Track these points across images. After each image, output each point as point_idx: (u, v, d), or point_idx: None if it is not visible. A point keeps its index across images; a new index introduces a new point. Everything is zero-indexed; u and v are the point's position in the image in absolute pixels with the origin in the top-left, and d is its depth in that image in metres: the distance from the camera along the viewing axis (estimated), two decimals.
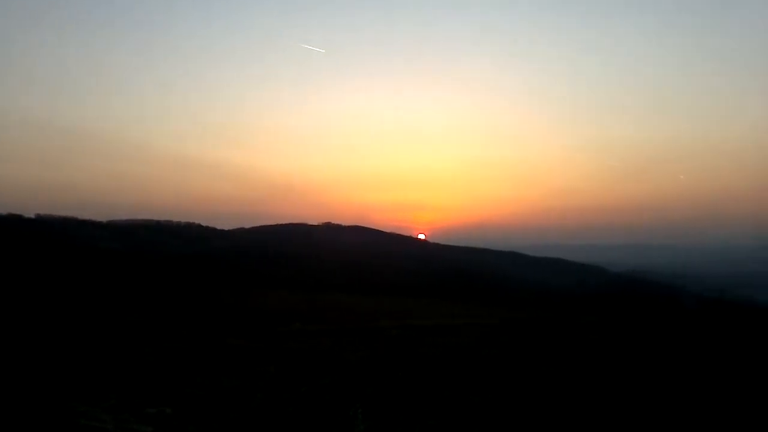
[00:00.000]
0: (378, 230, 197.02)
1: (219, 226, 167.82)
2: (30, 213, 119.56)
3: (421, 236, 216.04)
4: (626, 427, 7.86)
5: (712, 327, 26.91)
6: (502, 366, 12.24)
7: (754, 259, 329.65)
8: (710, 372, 12.93)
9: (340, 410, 7.64)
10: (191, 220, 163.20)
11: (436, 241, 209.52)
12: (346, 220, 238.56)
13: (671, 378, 11.81)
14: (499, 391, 9.54)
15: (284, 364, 11.14)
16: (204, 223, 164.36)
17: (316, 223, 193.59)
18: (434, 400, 8.66)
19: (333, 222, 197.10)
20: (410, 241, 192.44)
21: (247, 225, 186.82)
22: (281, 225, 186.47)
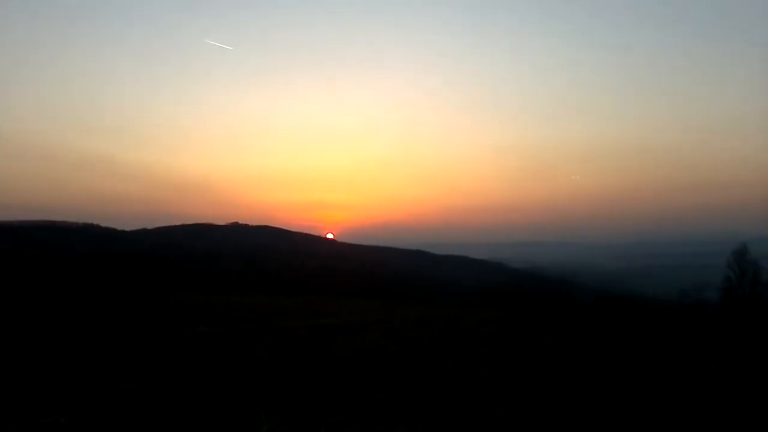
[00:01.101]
0: (286, 230, 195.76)
1: (120, 227, 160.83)
2: None
3: (330, 236, 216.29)
4: (516, 416, 8.18)
5: (603, 320, 28.35)
6: (408, 362, 12.44)
7: (642, 254, 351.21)
8: (600, 363, 13.64)
9: (244, 412, 7.55)
10: (91, 221, 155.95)
11: (345, 240, 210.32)
12: (254, 220, 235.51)
13: (563, 370, 12.38)
14: (405, 387, 9.70)
15: (187, 367, 10.87)
16: (104, 224, 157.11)
17: (223, 223, 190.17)
18: (340, 397, 8.71)
19: (240, 222, 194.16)
20: (319, 241, 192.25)
21: (151, 226, 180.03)
22: (187, 225, 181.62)
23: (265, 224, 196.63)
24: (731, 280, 58.86)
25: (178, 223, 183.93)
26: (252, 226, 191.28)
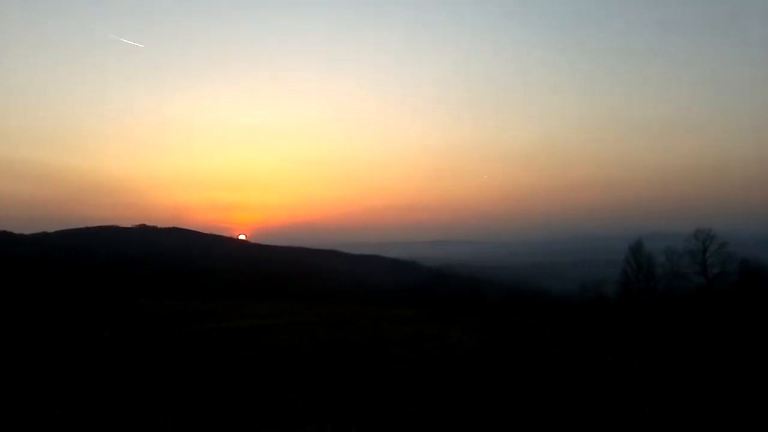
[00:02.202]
0: (197, 231, 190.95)
1: (18, 230, 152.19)
2: None
3: (242, 237, 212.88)
4: (426, 411, 8.55)
5: (511, 316, 29.41)
6: (321, 362, 12.65)
7: (549, 251, 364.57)
8: (506, 357, 14.30)
9: (151, 418, 7.55)
10: None
11: (258, 241, 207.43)
12: (162, 221, 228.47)
13: (471, 365, 12.92)
14: (317, 387, 9.89)
15: (90, 373, 10.63)
16: None
17: (129, 225, 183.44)
18: (252, 399, 8.81)
19: (148, 224, 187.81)
20: (231, 242, 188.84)
21: (52, 229, 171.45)
22: (91, 228, 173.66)
23: (174, 226, 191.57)
24: (628, 274, 62.30)
25: (81, 226, 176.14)
26: (161, 227, 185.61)
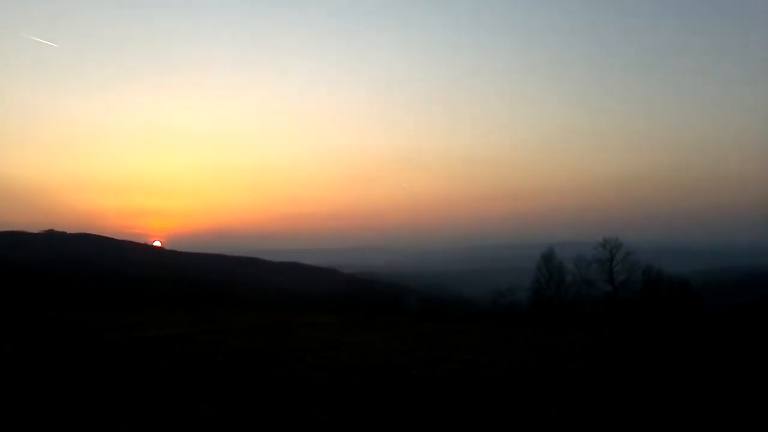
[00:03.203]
0: (109, 237, 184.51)
1: None
2: None
3: (157, 243, 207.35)
4: (343, 418, 8.66)
5: (428, 320, 29.81)
6: (234, 372, 12.53)
7: (464, 259, 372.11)
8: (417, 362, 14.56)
9: (52, 428, 7.34)
10: None
11: (174, 248, 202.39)
12: (72, 227, 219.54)
13: (387, 371, 13.11)
14: (229, 397, 9.82)
15: None
16: None
17: (36, 231, 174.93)
18: (162, 410, 8.67)
19: (57, 229, 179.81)
20: (145, 249, 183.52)
21: None
22: None
23: (85, 232, 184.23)
24: (540, 281, 64.59)
25: None
26: (70, 233, 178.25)
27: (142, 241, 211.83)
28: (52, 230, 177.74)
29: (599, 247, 63.85)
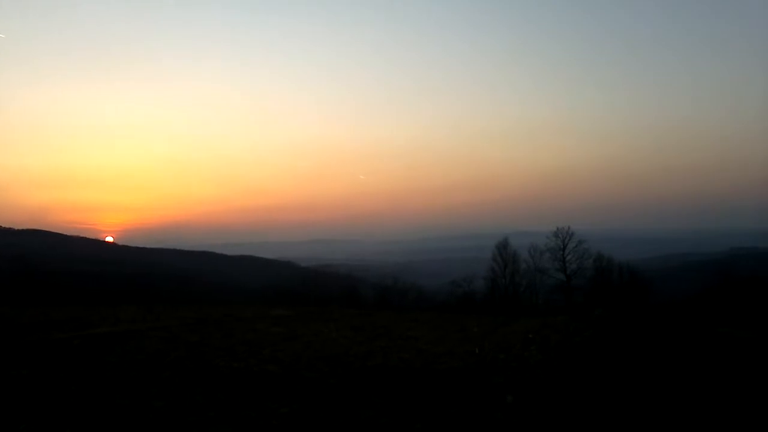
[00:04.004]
0: (58, 234, 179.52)
1: None
2: None
3: (109, 239, 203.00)
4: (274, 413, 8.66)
5: (384, 310, 29.96)
6: (189, 367, 12.39)
7: (421, 249, 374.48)
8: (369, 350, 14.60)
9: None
10: None
11: (126, 243, 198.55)
12: (18, 223, 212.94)
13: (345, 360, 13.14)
14: (184, 393, 9.71)
15: None
16: None
17: None
18: (114, 408, 8.53)
19: (2, 225, 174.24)
20: (96, 244, 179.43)
21: None
22: None
23: (32, 227, 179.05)
24: (495, 270, 65.52)
25: None
26: (16, 229, 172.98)
27: (93, 237, 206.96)
28: None
29: (552, 237, 65.00)
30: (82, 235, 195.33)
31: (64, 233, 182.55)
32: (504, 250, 66.09)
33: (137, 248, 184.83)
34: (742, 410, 8.97)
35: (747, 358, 14.21)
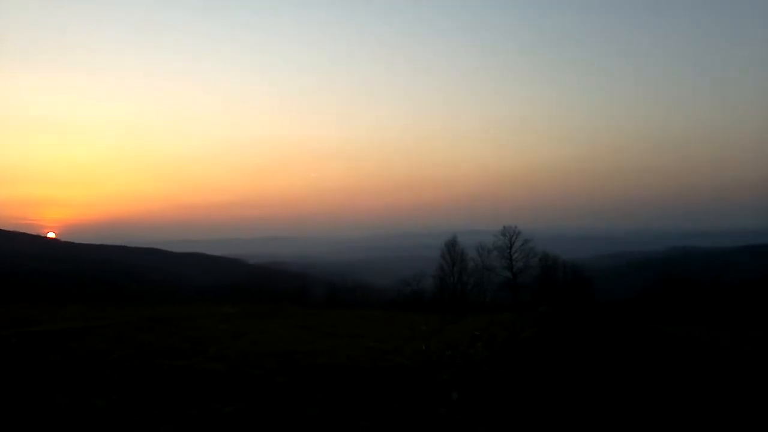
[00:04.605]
0: None
1: None
2: None
3: (51, 235, 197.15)
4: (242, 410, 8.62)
5: (333, 308, 29.95)
6: (132, 366, 12.16)
7: (371, 247, 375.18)
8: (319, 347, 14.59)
9: None
10: None
11: (70, 239, 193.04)
12: None
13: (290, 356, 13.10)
14: (126, 392, 9.54)
15: None
16: None
17: None
18: (53, 408, 8.32)
19: None
20: (37, 241, 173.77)
21: None
22: None
23: None
24: (444, 269, 66.24)
25: None
26: None
27: (34, 233, 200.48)
28: None
29: (499, 235, 66.06)
30: (22, 230, 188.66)
31: (5, 229, 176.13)
32: (452, 249, 66.84)
33: (81, 245, 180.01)
34: (676, 401, 9.33)
35: (680, 353, 14.77)
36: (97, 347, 15.17)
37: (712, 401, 9.96)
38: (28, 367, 11.75)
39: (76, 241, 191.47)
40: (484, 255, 66.41)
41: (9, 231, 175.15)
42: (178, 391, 9.60)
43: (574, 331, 18.65)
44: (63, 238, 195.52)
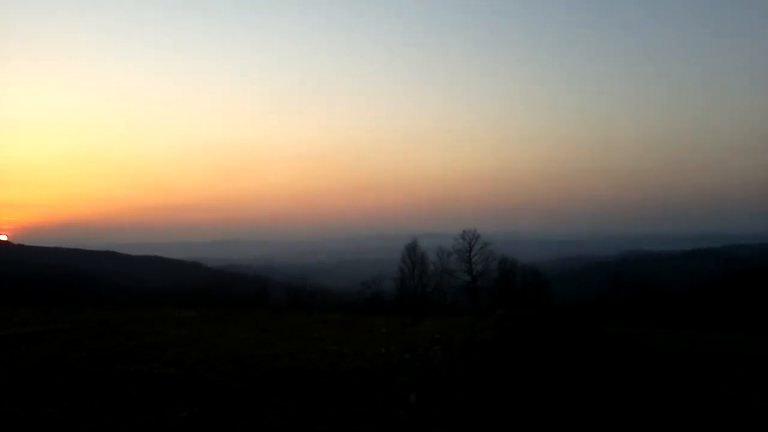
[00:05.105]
0: None
1: None
2: None
3: (3, 237, 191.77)
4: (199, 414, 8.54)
5: (290, 312, 29.83)
6: (87, 372, 11.93)
7: (332, 250, 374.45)
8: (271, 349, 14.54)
9: None
10: None
11: (22, 242, 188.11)
12: None
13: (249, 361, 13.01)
14: (80, 399, 9.36)
15: None
16: None
17: None
18: (1, 416, 8.12)
19: None
20: None
21: None
22: None
23: None
24: (404, 272, 66.56)
25: None
26: None
27: None
28: None
29: (459, 239, 66.66)
30: None
31: None
32: (413, 252, 67.20)
33: (35, 247, 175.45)
34: (626, 404, 9.56)
35: (623, 353, 15.16)
36: (50, 352, 14.82)
37: (649, 398, 10.25)
38: None
39: (30, 243, 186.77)
40: (444, 258, 67.07)
41: None
42: (133, 397, 9.46)
43: (530, 334, 18.90)
44: (15, 241, 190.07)
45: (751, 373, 16.78)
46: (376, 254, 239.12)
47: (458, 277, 65.96)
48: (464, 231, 66.21)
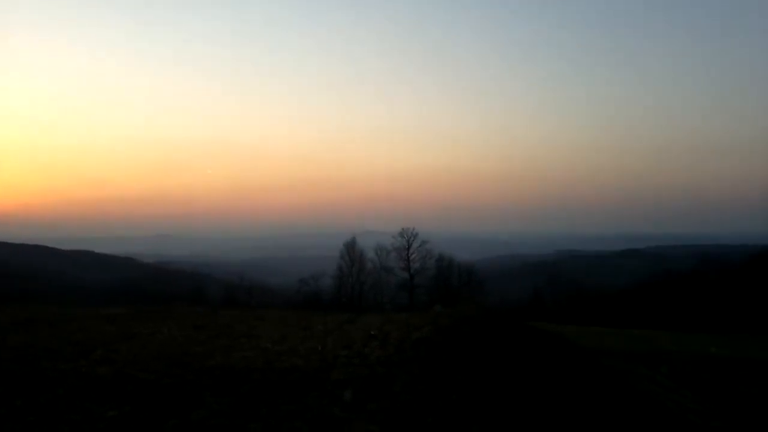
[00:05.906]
0: None
1: None
2: None
3: None
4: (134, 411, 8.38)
5: (225, 309, 29.47)
6: (9, 370, 11.52)
7: (269, 247, 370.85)
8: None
9: None
10: None
11: None
12: None
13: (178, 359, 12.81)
14: (2, 398, 9.06)
15: None
16: None
17: None
18: None
19: None
20: None
21: None
22: None
23: None
24: (342, 269, 66.47)
25: None
26: None
27: None
28: None
29: (397, 236, 67.07)
30: None
31: None
32: (351, 249, 67.21)
33: None
34: (548, 398, 9.89)
35: (557, 352, 15.65)
36: None
37: (570, 392, 10.63)
38: None
39: None
40: (382, 256, 67.25)
41: None
42: (60, 396, 9.20)
43: (464, 331, 19.24)
44: None
45: (673, 368, 17.58)
46: (315, 251, 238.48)
47: (396, 274, 66.30)
48: (403, 229, 66.80)
